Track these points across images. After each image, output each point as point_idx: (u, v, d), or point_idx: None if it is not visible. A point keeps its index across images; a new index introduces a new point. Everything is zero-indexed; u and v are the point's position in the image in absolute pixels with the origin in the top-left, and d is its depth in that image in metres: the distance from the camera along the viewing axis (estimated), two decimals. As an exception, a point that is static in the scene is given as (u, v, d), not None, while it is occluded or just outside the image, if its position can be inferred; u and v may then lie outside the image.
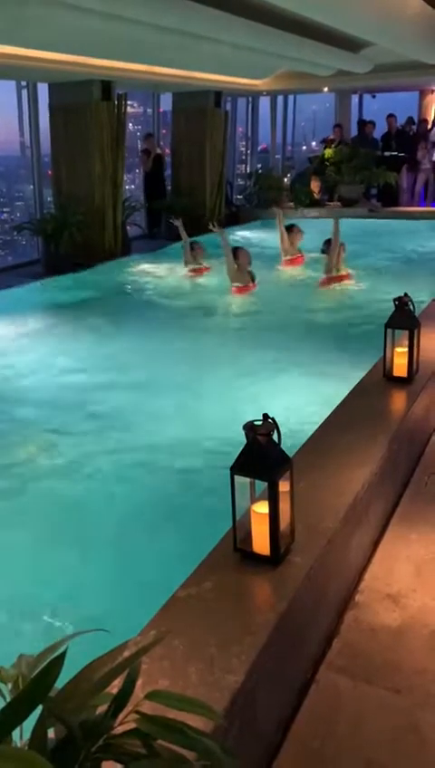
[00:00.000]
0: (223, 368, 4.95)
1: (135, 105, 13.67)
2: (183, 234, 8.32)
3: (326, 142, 13.74)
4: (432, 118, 13.84)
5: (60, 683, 0.95)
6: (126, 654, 1.00)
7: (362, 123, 13.85)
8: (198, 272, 8.17)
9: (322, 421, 2.97)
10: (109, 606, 2.37)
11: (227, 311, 6.80)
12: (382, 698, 1.90)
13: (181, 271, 8.25)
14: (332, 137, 13.70)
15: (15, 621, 2.39)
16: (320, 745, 1.76)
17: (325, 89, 12.58)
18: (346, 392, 3.32)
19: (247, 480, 1.92)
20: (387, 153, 12.86)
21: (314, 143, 18.19)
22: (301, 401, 4.13)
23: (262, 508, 1.91)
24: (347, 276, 7.51)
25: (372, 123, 13.59)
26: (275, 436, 1.88)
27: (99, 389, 4.69)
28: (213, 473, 3.19)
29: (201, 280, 7.99)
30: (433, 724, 1.81)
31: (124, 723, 0.97)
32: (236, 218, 12.51)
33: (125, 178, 10.15)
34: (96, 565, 2.73)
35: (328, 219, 8.11)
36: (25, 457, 3.75)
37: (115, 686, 1.00)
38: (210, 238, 8.34)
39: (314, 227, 8.94)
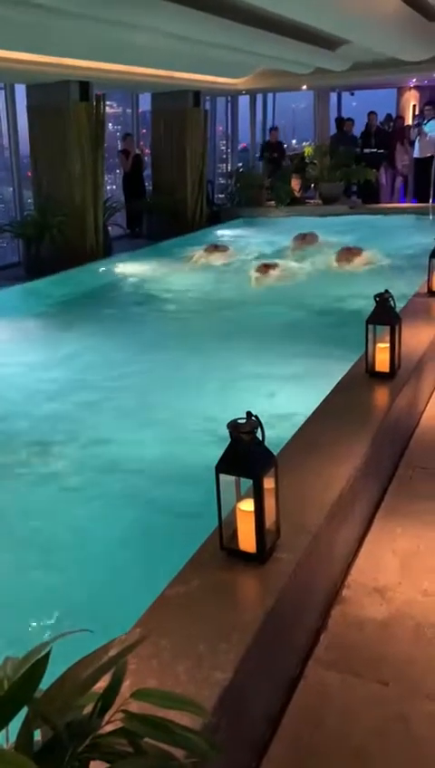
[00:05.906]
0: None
1: (114, 105, 13.64)
2: None
3: (264, 144, 13.90)
4: (410, 114, 13.95)
5: (45, 684, 0.95)
6: (112, 653, 1.00)
7: (341, 120, 13.92)
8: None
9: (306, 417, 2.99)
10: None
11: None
12: (371, 691, 1.91)
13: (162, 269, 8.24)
14: (269, 139, 13.87)
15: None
16: (309, 739, 1.77)
17: (304, 87, 12.62)
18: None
19: (232, 478, 1.93)
20: (366, 150, 12.94)
21: (294, 141, 18.28)
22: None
23: (247, 506, 1.92)
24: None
25: (351, 120, 13.66)
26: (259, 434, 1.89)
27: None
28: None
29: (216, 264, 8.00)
30: (421, 715, 1.83)
31: (111, 722, 0.97)
32: (217, 217, 12.51)
33: (105, 179, 10.11)
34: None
35: (310, 217, 8.28)
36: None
37: (101, 686, 1.00)
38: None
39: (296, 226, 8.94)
